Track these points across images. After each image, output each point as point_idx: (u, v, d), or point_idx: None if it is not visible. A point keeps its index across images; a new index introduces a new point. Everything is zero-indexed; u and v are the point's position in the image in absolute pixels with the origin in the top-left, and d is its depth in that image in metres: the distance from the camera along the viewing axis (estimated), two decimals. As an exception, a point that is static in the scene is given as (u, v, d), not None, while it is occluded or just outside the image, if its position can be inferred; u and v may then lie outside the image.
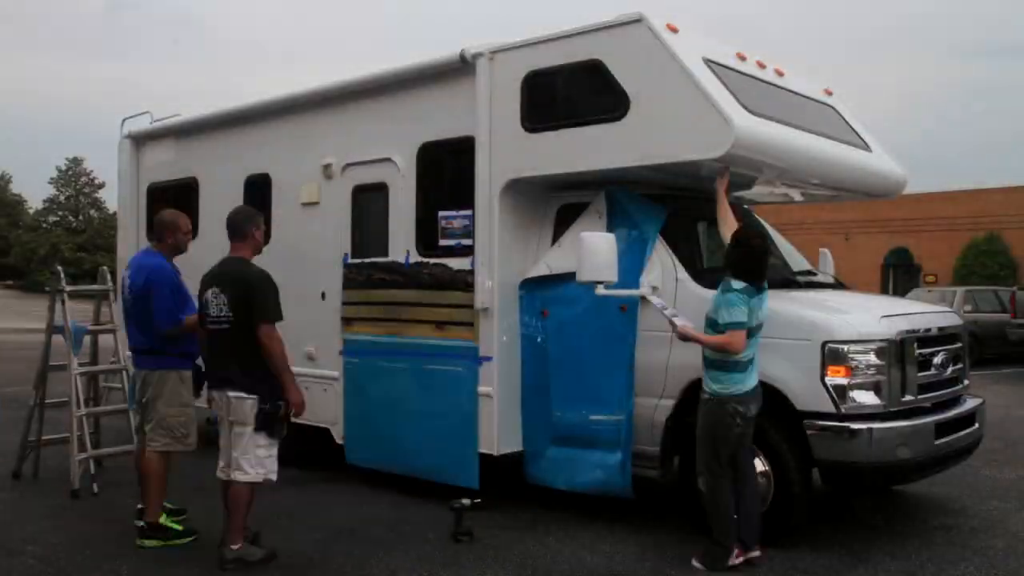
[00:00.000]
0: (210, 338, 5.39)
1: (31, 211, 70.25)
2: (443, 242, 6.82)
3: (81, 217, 68.24)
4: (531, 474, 6.49)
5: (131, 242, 9.86)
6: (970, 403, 6.29)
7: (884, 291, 31.15)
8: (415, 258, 6.97)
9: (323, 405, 7.55)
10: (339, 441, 7.49)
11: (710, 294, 5.82)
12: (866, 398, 5.36)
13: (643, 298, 5.95)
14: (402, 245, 7.07)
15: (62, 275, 7.58)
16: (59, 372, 7.43)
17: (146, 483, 5.78)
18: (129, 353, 6.28)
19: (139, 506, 5.86)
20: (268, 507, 6.55)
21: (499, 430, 6.43)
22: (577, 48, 6.12)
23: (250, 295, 5.22)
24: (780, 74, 6.81)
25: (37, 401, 7.51)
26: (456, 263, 6.68)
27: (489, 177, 6.47)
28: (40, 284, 59.78)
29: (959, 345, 6.28)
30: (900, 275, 33.20)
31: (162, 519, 5.80)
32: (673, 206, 6.35)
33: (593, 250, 5.63)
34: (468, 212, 6.62)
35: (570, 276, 5.94)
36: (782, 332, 5.50)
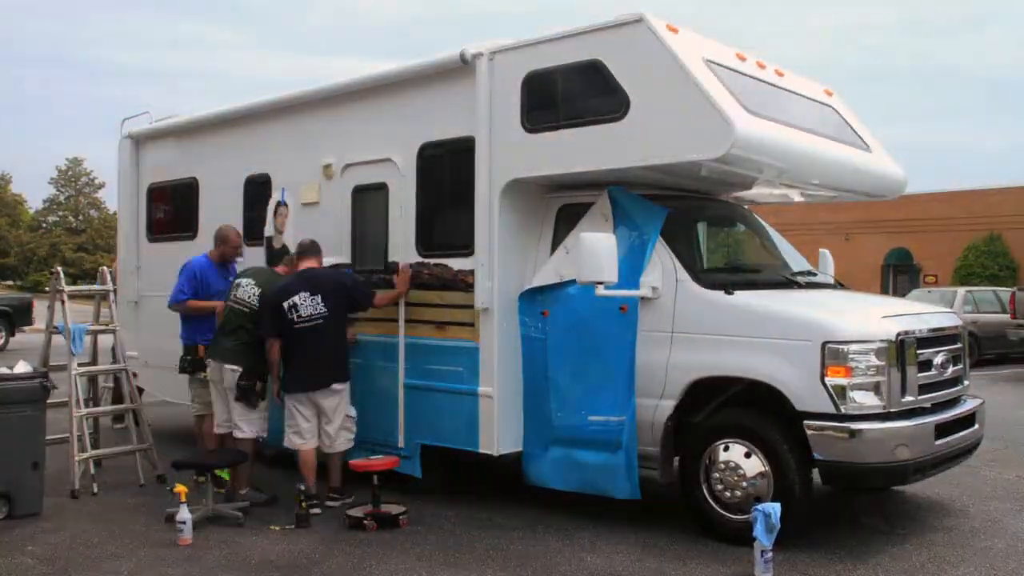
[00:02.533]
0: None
1: (31, 211, 70.29)
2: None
3: (81, 217, 68.31)
4: (530, 474, 6.49)
5: (131, 242, 9.88)
6: (970, 404, 6.29)
7: (884, 292, 31.16)
8: (415, 258, 6.98)
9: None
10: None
11: (711, 295, 5.85)
12: (866, 398, 5.36)
13: (643, 298, 5.96)
14: (402, 245, 7.07)
15: (61, 275, 7.57)
16: (57, 373, 7.33)
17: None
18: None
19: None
20: (268, 507, 6.57)
21: (499, 430, 6.42)
22: (577, 48, 6.11)
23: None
24: (780, 75, 6.81)
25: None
26: (457, 263, 6.68)
27: (489, 177, 6.47)
28: (40, 284, 59.93)
29: (959, 346, 6.28)
30: (900, 276, 33.20)
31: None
32: (673, 207, 6.34)
33: (593, 250, 5.63)
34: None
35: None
36: (782, 332, 5.51)
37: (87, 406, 7.52)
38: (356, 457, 6.75)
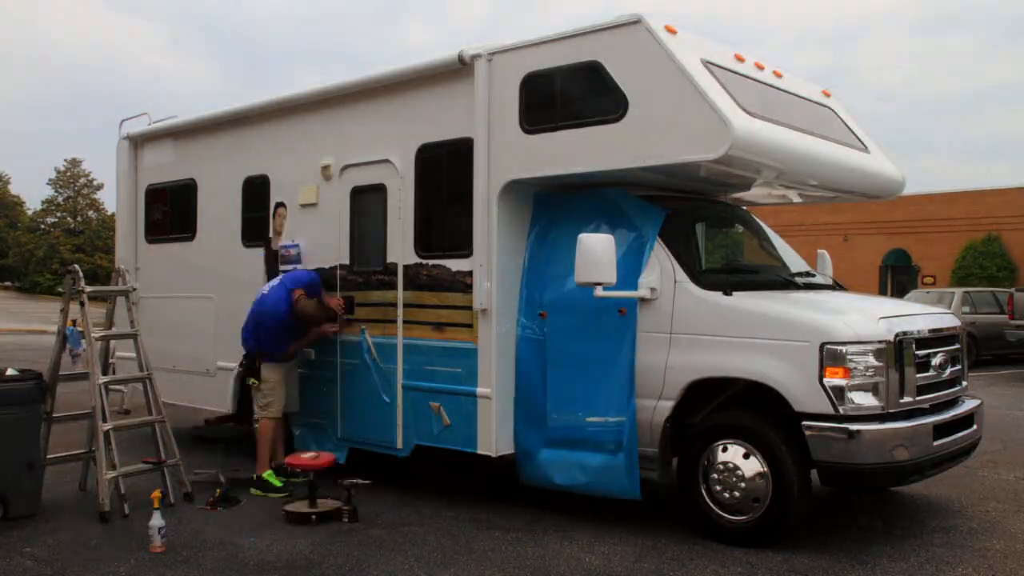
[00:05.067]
0: None
1: (29, 212, 70.25)
2: (283, 267, 7.88)
3: (79, 218, 68.28)
4: (525, 475, 6.50)
5: (130, 243, 9.87)
6: (968, 404, 6.29)
7: (882, 292, 31.17)
8: (413, 259, 6.98)
9: (322, 406, 7.56)
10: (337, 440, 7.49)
11: (709, 296, 5.85)
12: (864, 399, 5.36)
13: (641, 299, 5.96)
14: (400, 246, 7.07)
15: (80, 275, 6.85)
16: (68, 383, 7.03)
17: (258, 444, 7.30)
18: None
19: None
20: (267, 507, 6.57)
21: (497, 431, 6.42)
22: (575, 49, 6.12)
23: None
24: (778, 76, 6.82)
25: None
26: (455, 264, 6.68)
27: (488, 178, 6.47)
28: (38, 285, 59.88)
29: (957, 346, 6.29)
30: (898, 276, 33.22)
31: (266, 475, 7.10)
32: (672, 208, 6.34)
33: (591, 251, 5.63)
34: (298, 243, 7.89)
35: (569, 278, 5.95)
36: (780, 333, 5.51)
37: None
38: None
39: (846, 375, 5.31)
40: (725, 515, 5.66)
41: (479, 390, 6.48)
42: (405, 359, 6.99)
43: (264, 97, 8.39)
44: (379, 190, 7.26)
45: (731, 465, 5.62)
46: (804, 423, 5.38)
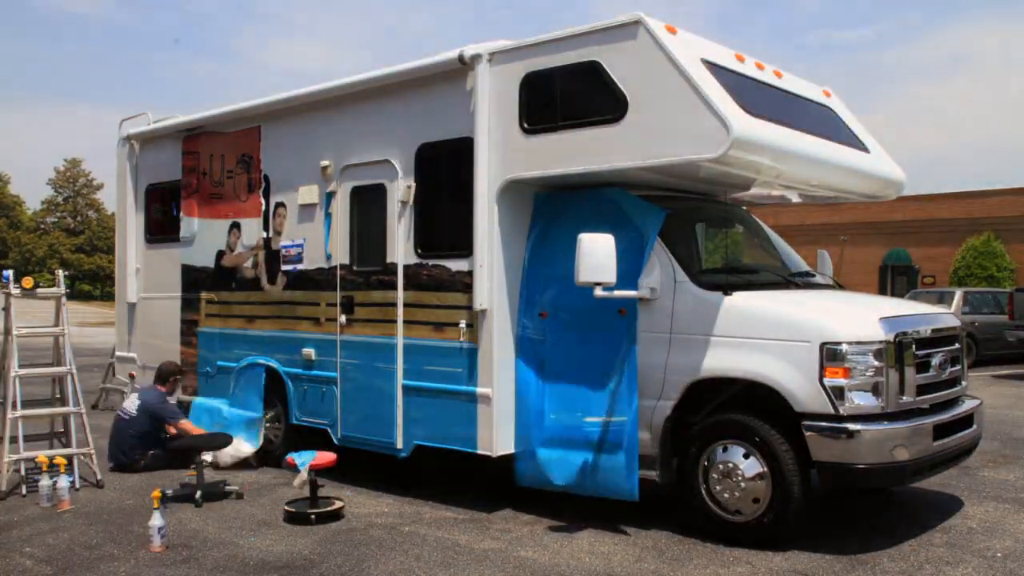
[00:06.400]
0: None
1: (29, 212, 70.27)
2: (284, 267, 8.00)
3: (79, 218, 68.31)
4: (523, 474, 6.49)
5: (130, 244, 9.87)
6: (968, 404, 6.30)
7: (882, 293, 31.17)
8: (413, 259, 6.98)
9: (322, 406, 7.56)
10: (336, 441, 7.50)
11: (709, 296, 5.85)
12: (864, 399, 5.36)
13: (641, 299, 5.96)
14: (400, 246, 7.08)
15: (7, 277, 7.70)
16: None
17: None
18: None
19: None
20: (267, 507, 6.58)
21: (497, 431, 6.42)
22: (576, 50, 6.12)
23: None
24: (778, 75, 6.82)
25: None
26: (455, 264, 6.68)
27: (487, 178, 6.47)
28: (39, 286, 60.00)
29: (957, 347, 6.28)
30: (898, 277, 33.20)
31: None
32: (672, 208, 6.34)
33: (591, 251, 5.63)
34: (301, 241, 7.90)
35: (569, 278, 5.96)
36: (781, 333, 5.51)
37: (55, 406, 7.82)
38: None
39: (846, 375, 5.31)
40: (725, 515, 5.66)
41: (479, 390, 6.48)
42: (405, 359, 7.00)
43: (263, 97, 8.39)
44: (379, 190, 7.26)
45: (731, 465, 5.63)
46: (804, 423, 5.38)
